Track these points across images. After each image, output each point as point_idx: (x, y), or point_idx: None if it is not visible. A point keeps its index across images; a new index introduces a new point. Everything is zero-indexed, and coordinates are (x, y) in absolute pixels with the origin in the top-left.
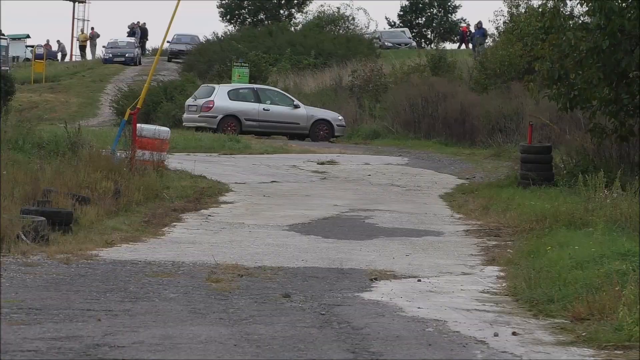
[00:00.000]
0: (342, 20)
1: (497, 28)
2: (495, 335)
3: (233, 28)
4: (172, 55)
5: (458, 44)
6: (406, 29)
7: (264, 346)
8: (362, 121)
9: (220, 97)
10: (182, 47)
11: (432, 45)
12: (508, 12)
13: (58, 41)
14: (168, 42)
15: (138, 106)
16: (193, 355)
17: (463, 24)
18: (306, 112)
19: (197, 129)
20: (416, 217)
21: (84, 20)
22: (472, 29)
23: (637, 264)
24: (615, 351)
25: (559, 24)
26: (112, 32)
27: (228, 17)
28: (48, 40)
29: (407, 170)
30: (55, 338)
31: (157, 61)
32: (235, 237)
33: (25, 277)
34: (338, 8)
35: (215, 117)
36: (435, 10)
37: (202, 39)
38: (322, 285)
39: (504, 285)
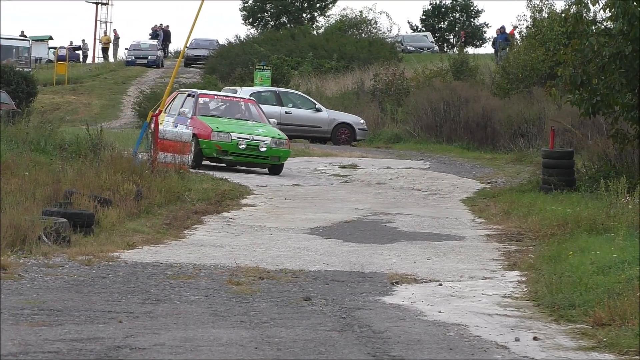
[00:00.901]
0: (364, 24)
1: (519, 33)
2: (517, 340)
3: (255, 31)
4: (189, 60)
5: (458, 47)
6: (428, 33)
7: (284, 349)
8: (383, 125)
9: None
10: (200, 52)
11: (455, 50)
12: (531, 16)
13: (83, 40)
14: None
15: (160, 108)
16: (214, 357)
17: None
18: (328, 115)
19: None
20: (437, 221)
21: (106, 22)
22: (495, 34)
23: None
24: (636, 357)
25: (581, 29)
26: (135, 34)
27: (250, 19)
28: (72, 42)
29: (428, 174)
30: (76, 339)
31: (180, 63)
32: (256, 239)
33: (46, 279)
34: (360, 12)
35: None
36: (457, 15)
37: (224, 42)
38: (343, 289)
39: (525, 290)
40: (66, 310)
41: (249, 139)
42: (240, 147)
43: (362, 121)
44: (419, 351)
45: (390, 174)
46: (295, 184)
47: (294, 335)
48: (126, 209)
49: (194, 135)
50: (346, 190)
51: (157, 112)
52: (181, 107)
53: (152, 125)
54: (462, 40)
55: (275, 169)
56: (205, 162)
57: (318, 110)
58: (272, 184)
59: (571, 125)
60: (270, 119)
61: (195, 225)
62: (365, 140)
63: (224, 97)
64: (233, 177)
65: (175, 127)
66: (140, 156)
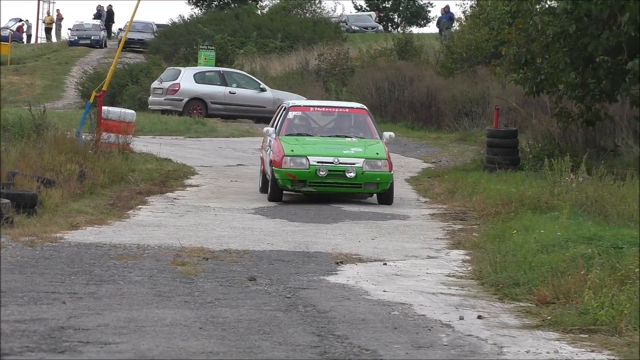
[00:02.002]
0: (308, 4)
1: (464, 12)
2: (461, 318)
3: (199, 11)
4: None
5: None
6: (373, 13)
7: (229, 329)
8: None
9: (186, 80)
10: (135, 36)
11: (399, 29)
12: None
13: (26, 20)
14: (121, 29)
15: (103, 89)
16: (158, 338)
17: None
18: (272, 95)
19: (163, 112)
20: None
21: (49, 2)
22: (439, 13)
23: (603, 248)
24: (581, 335)
25: (525, 8)
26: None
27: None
28: (21, 20)
29: None
30: (20, 321)
31: (123, 43)
32: (200, 220)
33: None
34: None
35: (181, 100)
36: None
37: (167, 21)
38: (288, 269)
39: (469, 268)
40: (9, 292)
41: (332, 162)
42: (321, 174)
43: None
44: (363, 330)
45: None
46: (240, 164)
47: (238, 316)
48: (69, 190)
49: (271, 162)
50: None
51: (100, 92)
52: (271, 125)
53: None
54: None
55: (383, 198)
56: (288, 193)
57: (262, 90)
58: (217, 164)
59: (515, 104)
60: (386, 133)
61: (139, 206)
62: None
63: (325, 109)
64: (177, 158)
65: (267, 152)
66: (83, 137)
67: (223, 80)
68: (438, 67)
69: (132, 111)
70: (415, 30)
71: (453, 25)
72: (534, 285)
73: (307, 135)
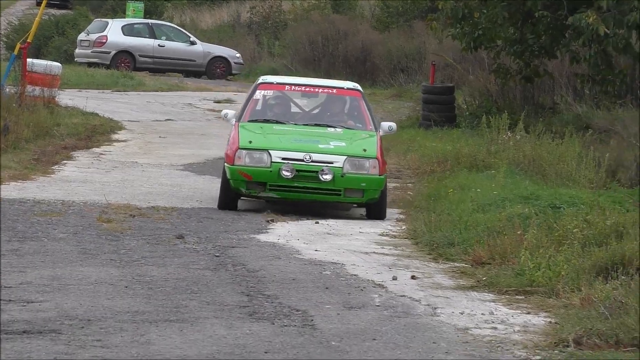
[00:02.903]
0: None
1: None
2: (394, 279)
3: None
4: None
5: None
6: None
7: (155, 288)
8: (260, 59)
9: (114, 32)
10: None
11: None
12: None
13: None
14: None
15: (28, 40)
16: (82, 296)
17: None
18: (202, 48)
19: (90, 64)
20: None
21: None
22: None
23: (540, 207)
24: (517, 296)
25: None
26: None
27: None
28: None
29: None
30: None
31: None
32: (127, 176)
33: None
34: None
35: (109, 52)
36: None
37: None
38: (217, 227)
39: (403, 228)
40: None
41: (302, 160)
42: (285, 174)
43: (238, 55)
44: (294, 290)
45: None
46: (169, 119)
47: (165, 274)
48: None
49: (225, 157)
50: (221, 126)
51: (25, 44)
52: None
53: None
54: None
55: (372, 210)
56: (245, 200)
57: (192, 43)
58: (145, 119)
59: (452, 60)
60: (385, 123)
61: (65, 161)
62: (241, 74)
63: (306, 89)
64: (104, 112)
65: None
66: (7, 89)
67: (152, 33)
68: (373, 21)
69: (58, 64)
70: None
71: None
72: (469, 246)
73: (277, 122)
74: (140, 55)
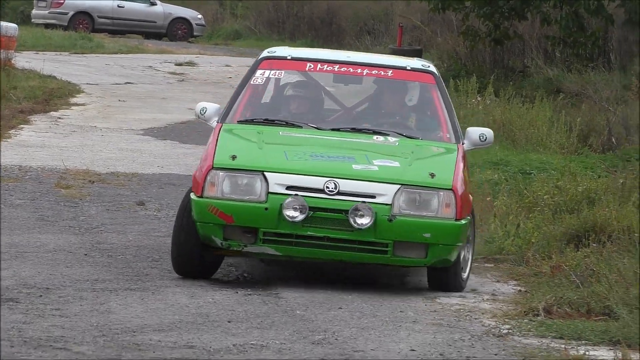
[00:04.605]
0: None
1: None
2: None
3: None
4: None
5: None
6: None
7: (116, 256)
8: (222, 21)
9: None
10: None
11: None
12: None
13: None
14: None
15: None
16: (40, 264)
17: None
18: (163, 9)
19: (47, 26)
20: None
21: None
22: None
23: (510, 173)
24: (486, 264)
25: None
26: None
27: None
28: None
29: None
30: None
31: None
32: (86, 141)
33: None
34: None
35: (66, 13)
36: None
37: None
38: (179, 193)
39: None
40: None
41: (322, 190)
42: (290, 215)
43: (199, 16)
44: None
45: (229, 72)
46: (129, 82)
47: (126, 242)
48: None
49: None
50: (182, 89)
51: None
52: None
53: None
54: None
55: (438, 276)
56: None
57: (153, 4)
58: (104, 82)
59: (420, 22)
60: (474, 129)
61: (21, 125)
62: (203, 36)
63: (341, 68)
64: (62, 75)
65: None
66: None
67: None
68: None
69: (15, 25)
70: None
71: None
72: None
73: (288, 124)
74: (99, 17)
